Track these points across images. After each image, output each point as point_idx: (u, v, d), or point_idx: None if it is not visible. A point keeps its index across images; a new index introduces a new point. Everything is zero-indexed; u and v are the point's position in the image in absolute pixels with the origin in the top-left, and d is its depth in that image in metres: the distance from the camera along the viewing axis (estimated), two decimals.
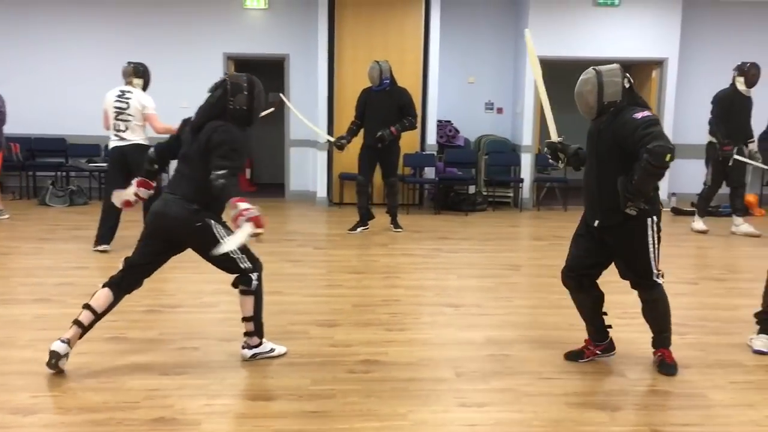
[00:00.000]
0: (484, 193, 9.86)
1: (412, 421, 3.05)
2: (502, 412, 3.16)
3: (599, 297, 3.75)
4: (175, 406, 3.14)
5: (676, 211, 9.40)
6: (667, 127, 9.97)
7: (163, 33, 9.95)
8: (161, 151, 3.79)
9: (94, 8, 9.88)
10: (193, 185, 3.49)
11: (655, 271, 3.55)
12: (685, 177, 9.86)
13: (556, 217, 9.13)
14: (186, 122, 3.65)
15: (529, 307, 4.91)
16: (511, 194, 10.16)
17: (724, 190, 7.93)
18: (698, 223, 7.97)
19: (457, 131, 10.29)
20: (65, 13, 9.87)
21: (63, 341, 3.43)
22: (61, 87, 9.71)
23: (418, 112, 9.72)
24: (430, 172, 9.73)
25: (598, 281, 3.75)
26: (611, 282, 5.57)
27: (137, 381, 3.40)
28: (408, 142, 9.69)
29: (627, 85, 3.44)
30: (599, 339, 3.80)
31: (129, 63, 6.65)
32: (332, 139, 7.92)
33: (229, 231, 3.51)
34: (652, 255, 3.50)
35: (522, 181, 9.81)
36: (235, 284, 3.67)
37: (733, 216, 7.89)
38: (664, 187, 10.07)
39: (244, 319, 3.69)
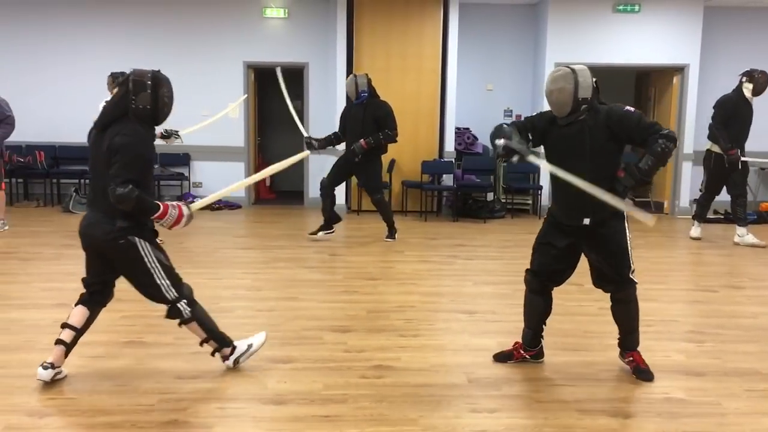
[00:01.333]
0: (503, 201, 9.84)
1: (422, 426, 3.05)
2: (512, 418, 3.16)
3: (550, 306, 3.84)
4: (188, 409, 3.18)
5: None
6: (689, 134, 9.89)
7: (183, 42, 10.08)
8: None
9: (115, 17, 10.02)
10: (108, 198, 3.23)
11: (633, 267, 3.59)
12: None
13: None
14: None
15: None
16: (530, 201, 10.12)
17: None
18: (695, 230, 7.90)
19: (475, 138, 10.28)
20: (88, 22, 10.03)
21: (45, 367, 3.37)
22: (85, 96, 9.82)
23: (436, 119, 9.77)
24: (448, 180, 9.73)
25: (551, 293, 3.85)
26: None
27: (152, 384, 3.45)
28: (426, 149, 9.73)
29: (595, 85, 3.52)
30: (532, 345, 3.84)
31: (110, 74, 6.96)
32: (306, 135, 7.55)
33: (159, 251, 3.38)
34: (630, 250, 3.57)
35: (541, 188, 9.76)
36: (168, 317, 3.49)
37: (737, 226, 7.71)
38: (685, 195, 9.99)
39: (202, 343, 3.57)
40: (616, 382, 3.61)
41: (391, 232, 7.58)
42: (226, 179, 10.20)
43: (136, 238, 3.30)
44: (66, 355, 3.47)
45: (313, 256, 6.72)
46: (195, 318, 3.48)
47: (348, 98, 7.58)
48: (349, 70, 9.64)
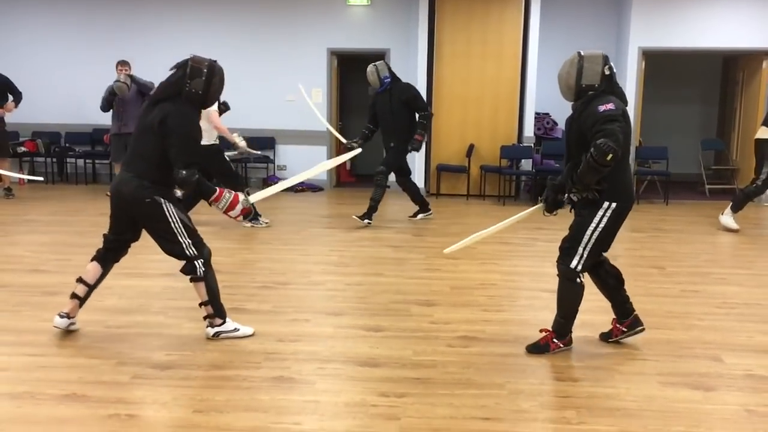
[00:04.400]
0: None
1: (509, 390, 3.25)
2: (595, 387, 3.31)
3: (607, 277, 3.82)
4: (292, 367, 3.47)
5: None
6: None
7: (269, 30, 10.48)
8: None
9: (203, 6, 10.48)
10: (144, 162, 3.57)
11: (579, 253, 3.56)
12: None
13: (656, 211, 9.00)
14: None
15: None
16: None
17: None
18: (728, 219, 7.47)
19: (555, 124, 10.29)
20: (175, 11, 10.54)
21: (62, 316, 3.79)
22: None
23: (516, 105, 9.81)
24: (527, 164, 9.80)
25: (605, 264, 3.84)
26: (712, 273, 5.56)
27: (257, 345, 3.77)
28: (505, 134, 9.81)
29: (607, 72, 3.51)
30: (622, 316, 3.87)
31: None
32: (344, 141, 7.66)
33: (182, 213, 3.64)
34: (587, 235, 3.54)
35: None
36: (183, 271, 3.73)
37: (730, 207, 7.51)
38: None
39: (201, 304, 3.78)
40: (698, 358, 3.70)
41: (368, 213, 7.43)
42: (309, 163, 10.64)
43: (162, 198, 3.57)
44: (80, 307, 3.85)
45: (395, 236, 6.96)
46: (205, 279, 3.71)
47: (373, 90, 7.54)
48: (430, 56, 9.82)
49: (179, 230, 3.62)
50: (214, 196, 3.66)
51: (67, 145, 10.73)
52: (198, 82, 3.59)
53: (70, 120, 10.78)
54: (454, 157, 9.95)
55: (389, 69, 7.38)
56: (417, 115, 7.36)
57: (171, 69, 3.69)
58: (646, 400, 3.16)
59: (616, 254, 6.35)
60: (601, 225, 3.53)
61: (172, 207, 3.61)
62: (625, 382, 3.36)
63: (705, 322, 4.29)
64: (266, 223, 7.26)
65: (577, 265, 3.58)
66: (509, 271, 5.61)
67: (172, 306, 4.44)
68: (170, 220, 3.59)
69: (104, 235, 3.86)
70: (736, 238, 7.17)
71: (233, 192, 3.72)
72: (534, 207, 4.03)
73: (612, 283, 3.82)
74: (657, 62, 10.73)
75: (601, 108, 3.37)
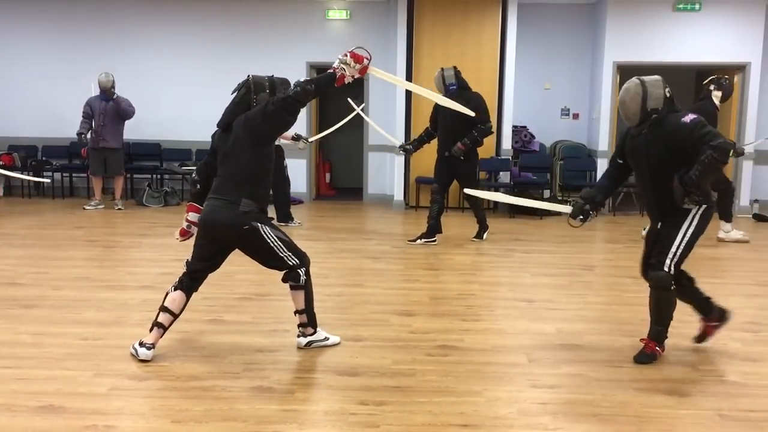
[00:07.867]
0: (560, 198, 9.94)
1: (486, 398, 3.28)
2: (571, 393, 3.36)
3: (683, 285, 3.90)
4: (271, 377, 3.48)
5: (758, 218, 9.25)
6: (750, 132, 9.80)
7: (249, 43, 10.50)
8: (202, 171, 3.92)
9: (184, 18, 10.50)
10: (237, 183, 3.65)
11: (673, 259, 3.64)
12: None
13: (632, 222, 9.11)
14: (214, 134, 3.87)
15: (601, 304, 5.04)
16: None
17: None
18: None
19: (532, 137, 10.41)
20: (161, 26, 10.55)
21: (148, 348, 3.68)
22: (156, 96, 10.36)
23: (494, 118, 9.89)
24: (505, 177, 9.89)
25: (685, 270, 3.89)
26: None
27: (236, 356, 3.77)
28: (483, 147, 9.87)
29: (668, 95, 3.67)
30: (705, 312, 3.97)
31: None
32: (397, 144, 7.88)
33: (276, 230, 3.72)
34: (679, 239, 3.63)
35: None
36: (284, 280, 3.83)
37: (722, 222, 7.70)
38: (746, 194, 9.92)
39: (297, 312, 3.87)
40: (673, 365, 3.76)
41: (480, 232, 7.41)
42: (290, 173, 10.56)
43: (258, 224, 3.65)
44: (161, 336, 3.77)
45: (375, 248, 6.99)
46: (305, 288, 3.81)
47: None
48: (409, 70, 9.90)
49: (279, 247, 3.69)
50: (338, 77, 3.77)
51: (43, 158, 10.63)
52: (264, 96, 3.74)
53: (46, 133, 10.70)
54: (433, 169, 9.99)
55: (457, 77, 7.09)
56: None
57: (232, 93, 3.82)
58: (621, 406, 3.21)
59: (593, 264, 6.47)
60: (692, 228, 3.64)
61: (268, 229, 3.69)
62: (601, 389, 3.41)
63: (679, 330, 4.34)
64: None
65: (671, 270, 3.67)
66: (488, 282, 5.66)
67: (150, 318, 4.33)
68: (269, 241, 3.67)
69: (187, 262, 3.82)
70: (710, 249, 7.29)
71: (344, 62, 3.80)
72: (565, 207, 4.29)
73: (686, 290, 3.92)
74: (632, 76, 10.88)
75: (688, 119, 3.55)
